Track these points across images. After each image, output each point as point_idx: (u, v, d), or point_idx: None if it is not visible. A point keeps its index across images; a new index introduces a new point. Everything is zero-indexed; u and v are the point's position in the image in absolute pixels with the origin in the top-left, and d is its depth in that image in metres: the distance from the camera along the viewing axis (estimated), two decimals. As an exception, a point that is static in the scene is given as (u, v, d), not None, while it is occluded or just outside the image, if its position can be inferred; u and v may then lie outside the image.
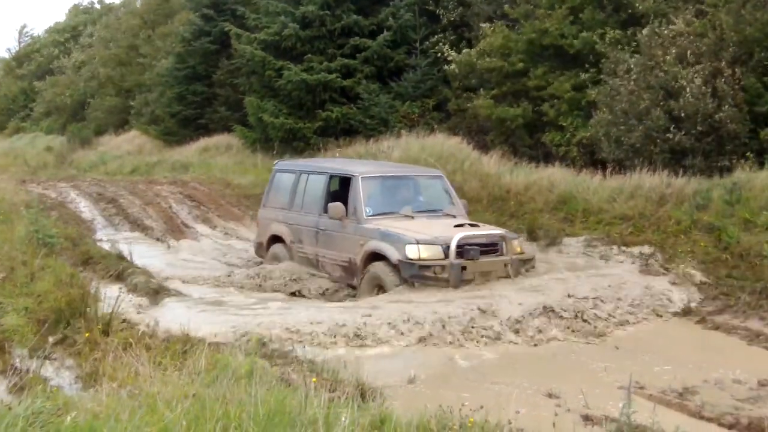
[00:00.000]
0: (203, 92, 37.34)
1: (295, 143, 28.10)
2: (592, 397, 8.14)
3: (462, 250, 13.09)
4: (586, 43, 21.75)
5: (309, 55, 28.44)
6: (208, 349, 8.47)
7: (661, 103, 18.14)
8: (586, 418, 7.87)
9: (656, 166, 17.68)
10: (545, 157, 22.06)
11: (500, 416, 5.87)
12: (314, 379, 6.56)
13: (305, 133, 27.87)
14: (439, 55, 26.56)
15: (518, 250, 13.97)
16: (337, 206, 14.46)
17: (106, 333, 9.92)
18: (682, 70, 18.00)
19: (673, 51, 18.30)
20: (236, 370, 6.97)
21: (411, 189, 15.62)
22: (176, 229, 20.42)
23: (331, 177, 15.53)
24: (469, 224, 14.36)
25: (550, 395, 8.69)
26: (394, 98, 27.56)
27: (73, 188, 24.71)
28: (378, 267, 13.57)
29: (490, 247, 13.54)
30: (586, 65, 21.83)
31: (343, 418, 5.16)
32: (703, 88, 17.56)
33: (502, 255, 13.61)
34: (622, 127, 18.72)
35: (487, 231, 14.12)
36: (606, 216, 16.98)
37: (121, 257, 15.81)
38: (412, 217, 14.37)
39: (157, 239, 19.54)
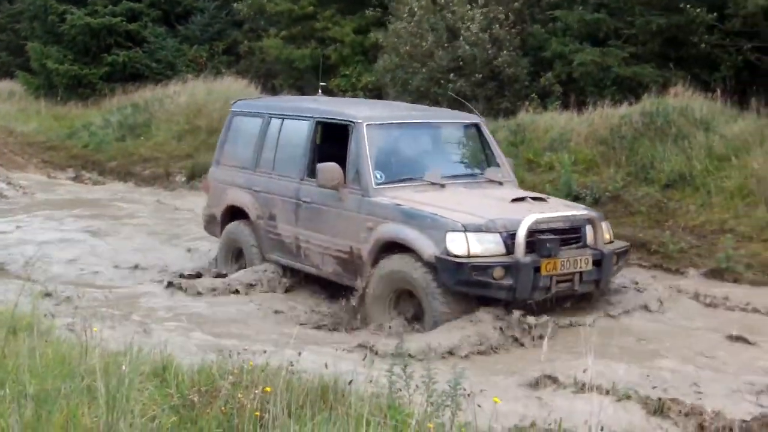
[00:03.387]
0: (-18, 37, 35.59)
1: (81, 90, 27.11)
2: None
3: (534, 240, 8.71)
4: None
5: (93, -2, 27.48)
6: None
7: (445, 45, 18.23)
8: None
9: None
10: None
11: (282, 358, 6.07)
12: (95, 329, 6.58)
13: (91, 79, 26.94)
14: (228, -3, 26.05)
15: (608, 237, 9.51)
16: (329, 169, 9.73)
17: None
18: (469, 11, 18.13)
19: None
20: (17, 322, 6.92)
21: (437, 143, 11.08)
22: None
23: (319, 124, 10.73)
24: (531, 197, 9.84)
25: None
26: (181, 42, 27.09)
27: None
28: (401, 263, 9.06)
29: (570, 235, 9.11)
30: (371, 7, 21.67)
31: (123, 367, 5.24)
32: (481, 35, 17.76)
33: (587, 246, 9.17)
34: (410, 71, 18.65)
35: (567, 211, 9.53)
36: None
37: None
38: (443, 186, 9.84)
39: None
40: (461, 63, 17.92)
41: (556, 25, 18.23)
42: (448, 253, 8.56)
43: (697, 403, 6.74)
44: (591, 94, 16.85)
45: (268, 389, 5.00)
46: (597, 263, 9.00)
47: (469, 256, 8.54)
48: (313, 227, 10.25)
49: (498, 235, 8.69)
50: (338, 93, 21.60)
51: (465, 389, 5.00)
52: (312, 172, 10.19)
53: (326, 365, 5.96)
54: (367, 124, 9.96)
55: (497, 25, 18.00)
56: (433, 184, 9.82)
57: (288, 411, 4.81)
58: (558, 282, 8.77)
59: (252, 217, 11.09)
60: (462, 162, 10.95)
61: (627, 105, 15.51)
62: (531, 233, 8.61)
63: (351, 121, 10.07)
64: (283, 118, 11.10)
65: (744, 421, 6.21)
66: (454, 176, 10.22)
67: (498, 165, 10.57)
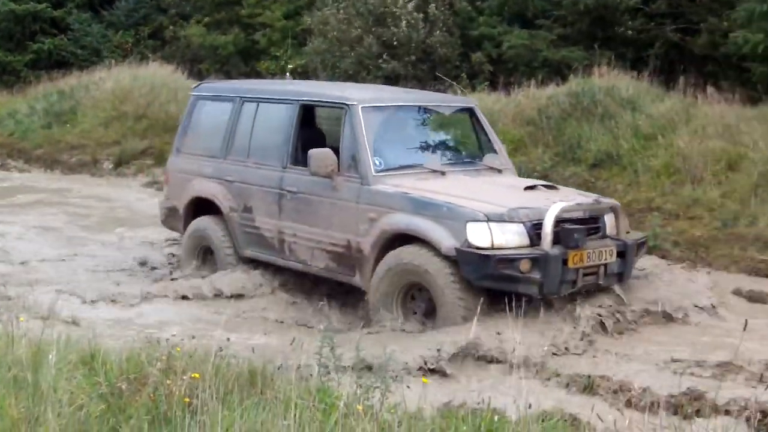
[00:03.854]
0: None
1: (6, 77, 26.33)
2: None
3: (559, 231, 8.13)
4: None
5: (16, -15, 26.91)
6: None
7: (373, 30, 18.26)
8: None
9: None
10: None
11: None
12: (21, 318, 6.51)
13: (16, 66, 26.17)
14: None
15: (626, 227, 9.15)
16: (323, 155, 8.98)
17: None
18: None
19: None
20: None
21: (434, 128, 10.27)
22: None
23: (305, 108, 9.86)
24: (543, 185, 9.36)
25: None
26: (107, 27, 26.66)
27: None
28: (413, 256, 8.35)
29: (590, 225, 8.55)
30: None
31: (50, 357, 5.20)
32: (416, 14, 17.83)
33: (608, 237, 8.64)
34: (337, 54, 18.68)
35: (588, 199, 8.95)
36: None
37: None
38: (443, 173, 9.25)
39: None
40: (395, 43, 17.93)
41: (484, 3, 18.35)
42: (470, 245, 7.97)
43: (626, 380, 6.86)
44: (520, 75, 16.99)
45: (196, 375, 4.98)
46: (620, 254, 8.51)
47: (492, 248, 7.95)
48: (300, 219, 9.42)
49: (521, 225, 8.10)
50: (267, 76, 21.51)
51: (394, 371, 5.03)
52: (296, 160, 9.52)
53: (253, 349, 5.97)
54: (362, 107, 9.18)
55: (433, 5, 18.07)
56: (434, 171, 9.21)
57: (217, 396, 4.77)
58: (584, 275, 8.23)
59: (224, 209, 10.17)
60: (460, 148, 10.27)
61: (554, 86, 15.65)
62: (556, 223, 8.06)
63: (344, 104, 9.31)
64: (258, 102, 10.27)
65: (671, 395, 6.32)
66: (453, 163, 9.69)
67: (495, 151, 9.96)
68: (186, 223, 10.73)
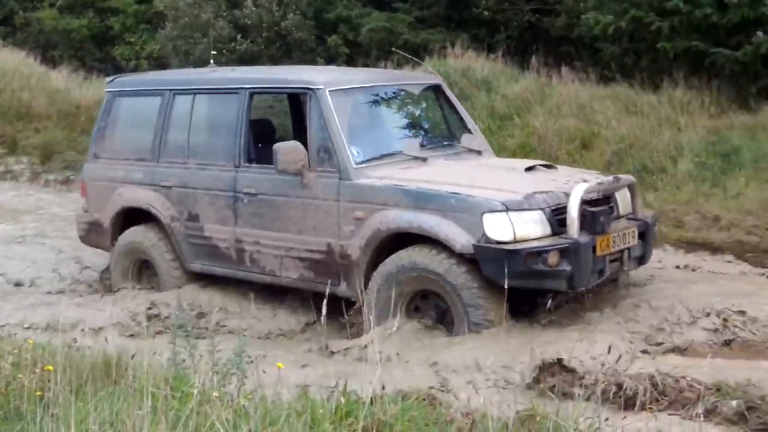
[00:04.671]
0: None
1: None
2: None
3: (585, 215, 7.14)
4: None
5: None
6: None
7: (225, 14, 18.27)
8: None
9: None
10: (116, 70, 21.89)
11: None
12: None
13: None
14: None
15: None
16: (291, 149, 7.76)
17: None
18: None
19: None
20: None
21: (405, 109, 9.10)
22: None
23: (255, 96, 8.62)
24: (541, 164, 8.39)
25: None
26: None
27: None
28: (419, 258, 7.25)
29: (604, 206, 7.44)
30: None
31: None
32: None
33: (623, 217, 7.79)
34: (191, 40, 18.58)
35: (605, 177, 7.87)
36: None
37: None
38: (425, 160, 8.12)
39: None
40: (247, 23, 17.94)
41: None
42: (488, 240, 6.92)
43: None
44: (377, 57, 17.09)
45: (49, 368, 4.88)
46: (641, 236, 7.68)
47: (515, 241, 6.91)
48: (264, 225, 8.20)
49: (541, 212, 7.06)
50: (122, 62, 21.19)
51: (250, 356, 5.02)
52: (251, 157, 8.40)
53: (106, 339, 5.89)
54: (330, 90, 7.94)
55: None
56: (415, 158, 8.08)
57: (70, 389, 4.68)
58: (610, 261, 7.35)
59: (163, 219, 8.89)
60: (436, 130, 9.10)
61: (410, 68, 15.79)
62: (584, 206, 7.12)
63: (308, 88, 8.04)
64: (195, 94, 8.96)
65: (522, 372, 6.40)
66: (433, 147, 8.52)
67: (470, 131, 9.00)
68: (114, 238, 9.40)
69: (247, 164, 8.33)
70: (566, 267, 6.86)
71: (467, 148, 8.72)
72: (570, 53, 16.75)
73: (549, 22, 16.87)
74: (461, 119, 9.09)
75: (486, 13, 16.97)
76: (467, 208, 7.06)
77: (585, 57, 16.31)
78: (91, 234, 9.71)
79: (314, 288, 7.93)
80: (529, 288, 7.08)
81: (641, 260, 7.79)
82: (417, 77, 9.94)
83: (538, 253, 6.82)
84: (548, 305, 6.99)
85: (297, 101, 8.63)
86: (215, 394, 4.50)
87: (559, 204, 7.14)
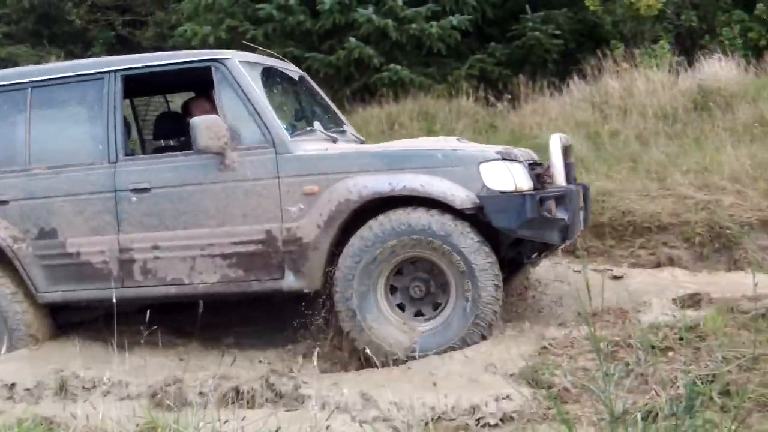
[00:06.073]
0: None
1: None
2: None
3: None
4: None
5: None
6: None
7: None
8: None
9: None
10: None
11: None
12: None
13: None
14: None
15: None
16: (212, 123, 6.62)
17: None
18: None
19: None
20: None
21: (292, 92, 8.07)
22: None
23: (128, 80, 7.21)
24: (456, 139, 7.49)
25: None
26: None
27: None
28: (417, 218, 6.41)
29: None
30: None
31: None
32: None
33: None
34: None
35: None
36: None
37: None
38: (335, 141, 7.26)
39: None
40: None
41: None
42: (492, 190, 6.33)
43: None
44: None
45: None
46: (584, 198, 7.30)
47: (517, 191, 6.39)
48: (164, 225, 6.87)
49: (524, 165, 6.60)
50: None
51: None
52: (127, 151, 7.21)
53: None
54: (240, 61, 7.00)
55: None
56: (326, 139, 7.22)
57: None
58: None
59: (5, 244, 7.17)
60: (325, 115, 8.16)
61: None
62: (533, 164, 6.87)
63: (216, 60, 6.99)
64: (30, 88, 7.27)
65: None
66: (333, 131, 7.59)
67: (345, 122, 8.38)
68: None
69: (128, 157, 7.09)
70: (564, 215, 6.43)
71: (354, 134, 8.22)
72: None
73: (141, 35, 16.78)
74: (330, 106, 8.44)
75: (79, 22, 16.58)
76: (459, 161, 6.45)
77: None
78: None
79: (243, 289, 6.83)
80: (533, 239, 6.59)
81: (585, 223, 7.41)
82: (282, 64, 8.27)
83: (545, 200, 6.38)
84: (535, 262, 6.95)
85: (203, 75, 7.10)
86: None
87: (530, 159, 6.94)
